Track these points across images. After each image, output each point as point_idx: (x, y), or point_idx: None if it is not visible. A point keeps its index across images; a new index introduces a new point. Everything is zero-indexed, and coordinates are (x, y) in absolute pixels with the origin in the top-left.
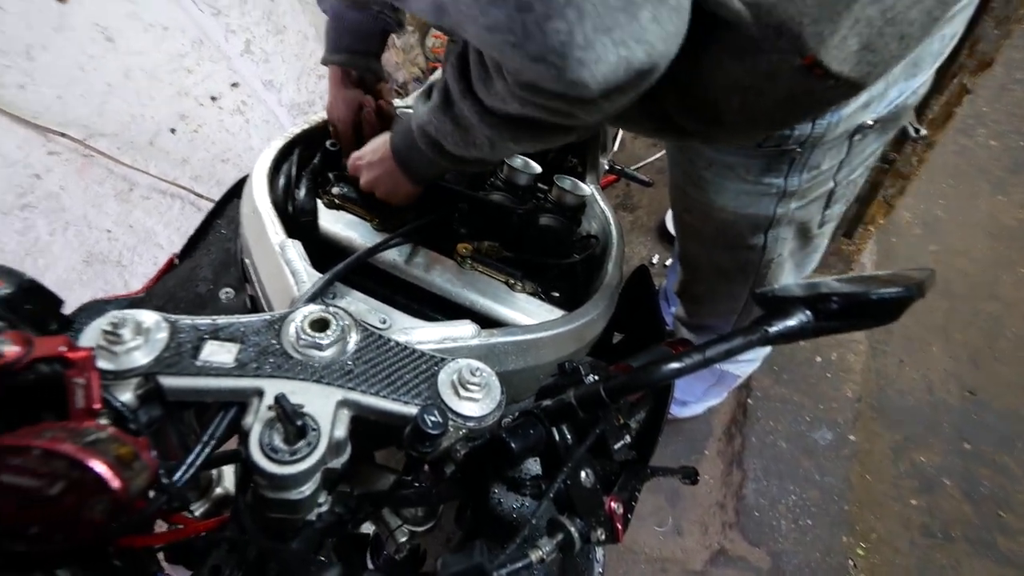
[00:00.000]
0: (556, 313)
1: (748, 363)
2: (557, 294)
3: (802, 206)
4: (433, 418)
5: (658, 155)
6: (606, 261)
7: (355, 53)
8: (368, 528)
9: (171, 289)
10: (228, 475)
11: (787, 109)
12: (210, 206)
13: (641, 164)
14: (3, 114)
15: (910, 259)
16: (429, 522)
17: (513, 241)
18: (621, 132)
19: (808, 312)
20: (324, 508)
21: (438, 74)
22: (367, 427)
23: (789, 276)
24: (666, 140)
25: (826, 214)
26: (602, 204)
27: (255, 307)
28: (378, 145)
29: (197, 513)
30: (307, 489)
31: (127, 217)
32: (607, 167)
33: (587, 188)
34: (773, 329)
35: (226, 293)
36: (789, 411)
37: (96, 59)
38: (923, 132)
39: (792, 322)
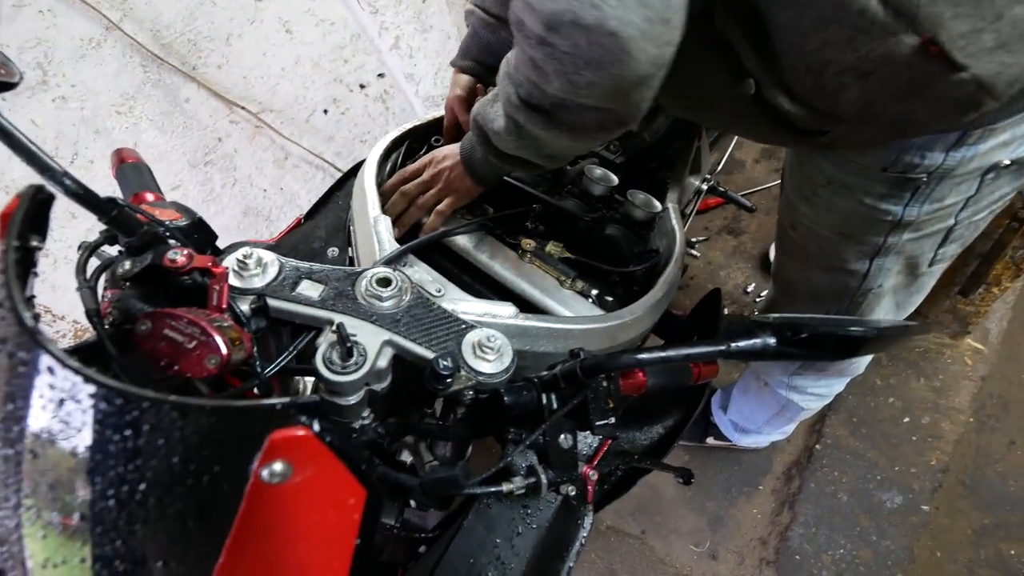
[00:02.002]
0: (596, 312)
1: (815, 398)
2: (611, 299)
3: (915, 239)
4: (445, 363)
5: (775, 183)
6: (659, 276)
7: (479, 63)
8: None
9: (294, 242)
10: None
11: (909, 103)
12: None
13: (755, 190)
14: (203, 88)
15: None
16: (457, 462)
17: (578, 245)
18: (726, 155)
19: (773, 338)
20: (367, 422)
21: None
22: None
23: (886, 312)
24: (784, 144)
25: (939, 252)
26: (674, 223)
27: (351, 265)
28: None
29: None
30: (353, 399)
31: (279, 181)
32: (710, 188)
33: (659, 205)
34: (735, 344)
35: (333, 251)
36: (859, 466)
37: (276, 47)
38: None
39: (755, 341)
